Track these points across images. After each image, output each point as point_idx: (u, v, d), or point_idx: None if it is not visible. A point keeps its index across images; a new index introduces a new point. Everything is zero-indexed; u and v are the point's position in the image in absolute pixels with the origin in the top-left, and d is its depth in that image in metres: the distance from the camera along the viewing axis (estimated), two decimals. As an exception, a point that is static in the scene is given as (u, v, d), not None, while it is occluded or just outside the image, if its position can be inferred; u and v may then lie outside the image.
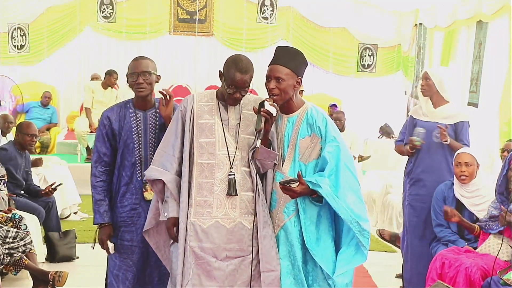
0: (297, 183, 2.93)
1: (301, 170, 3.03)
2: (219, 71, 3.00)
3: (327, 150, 3.02)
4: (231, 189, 2.95)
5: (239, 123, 3.01)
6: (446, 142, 4.37)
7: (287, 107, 3.08)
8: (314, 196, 3.00)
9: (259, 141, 2.93)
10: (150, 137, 3.35)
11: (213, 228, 2.94)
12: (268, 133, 2.95)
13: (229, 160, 2.96)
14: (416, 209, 4.57)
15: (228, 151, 2.96)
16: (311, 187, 2.94)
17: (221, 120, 2.99)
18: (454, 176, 4.36)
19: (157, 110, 3.36)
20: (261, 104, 2.92)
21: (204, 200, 2.95)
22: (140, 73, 3.29)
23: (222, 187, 2.96)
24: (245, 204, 2.99)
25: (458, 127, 4.46)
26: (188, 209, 2.95)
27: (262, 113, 2.89)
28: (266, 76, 3.02)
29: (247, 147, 3.00)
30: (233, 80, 2.91)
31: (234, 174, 2.95)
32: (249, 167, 3.00)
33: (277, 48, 3.11)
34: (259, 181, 3.01)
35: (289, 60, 3.02)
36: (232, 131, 3.00)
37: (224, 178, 2.96)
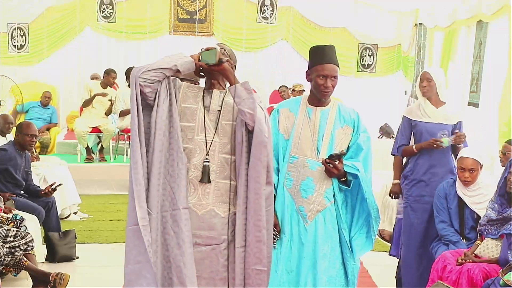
0: (337, 161, 3.17)
1: None
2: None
3: (361, 139, 3.31)
4: (205, 176, 2.92)
5: (221, 109, 3.00)
6: (459, 145, 4.45)
7: (321, 100, 3.30)
8: (342, 180, 3.26)
9: (223, 58, 2.91)
10: None
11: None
12: (226, 68, 2.91)
13: (206, 146, 2.95)
14: (417, 211, 4.56)
15: (205, 137, 2.96)
16: (347, 171, 3.21)
17: (204, 106, 2.99)
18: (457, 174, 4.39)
19: None
20: (203, 55, 2.91)
21: None
22: None
23: (196, 172, 2.93)
24: (220, 192, 2.95)
25: (458, 127, 4.53)
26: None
27: (208, 48, 2.91)
28: (322, 75, 3.19)
29: (229, 134, 2.98)
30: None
31: (209, 162, 2.94)
32: (230, 154, 2.96)
33: (324, 47, 3.28)
34: (244, 167, 2.92)
35: (336, 58, 3.26)
36: (213, 116, 2.99)
37: (199, 163, 2.94)
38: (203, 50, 2.94)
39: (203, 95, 3.01)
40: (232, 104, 2.98)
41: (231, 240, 2.94)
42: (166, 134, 2.88)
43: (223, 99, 3.02)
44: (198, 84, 3.02)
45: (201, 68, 2.95)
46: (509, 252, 3.73)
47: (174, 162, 2.88)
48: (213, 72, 2.97)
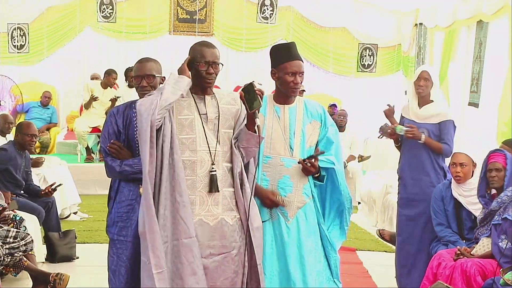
0: (314, 159, 3.20)
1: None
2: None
3: (330, 133, 3.36)
4: (213, 186, 2.94)
5: (218, 117, 3.01)
6: (420, 141, 4.42)
7: (289, 97, 3.32)
8: (316, 175, 3.30)
9: (257, 119, 2.96)
10: None
11: (196, 225, 2.91)
12: (255, 116, 2.96)
13: (211, 156, 2.95)
14: (403, 208, 4.64)
15: (209, 147, 2.96)
16: (323, 166, 3.27)
17: (200, 115, 2.98)
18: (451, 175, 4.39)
19: None
20: (249, 86, 2.94)
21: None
22: (144, 76, 3.34)
23: (204, 183, 2.95)
24: (227, 200, 2.99)
25: (441, 126, 4.44)
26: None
27: (257, 91, 2.92)
28: (291, 72, 3.21)
29: (228, 142, 3.01)
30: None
31: (215, 171, 2.95)
32: (230, 162, 3.00)
33: (288, 44, 3.35)
34: (244, 173, 3.01)
35: (299, 54, 3.29)
36: (211, 125, 3.00)
37: (206, 174, 2.95)
38: (253, 84, 2.94)
39: (195, 102, 3.00)
40: (229, 112, 3.02)
41: (240, 245, 3.00)
42: (169, 163, 2.87)
43: (217, 105, 3.02)
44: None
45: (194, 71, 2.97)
46: (499, 240, 3.73)
47: (181, 188, 2.87)
48: (210, 80, 2.99)
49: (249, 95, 2.92)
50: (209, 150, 2.95)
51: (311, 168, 3.21)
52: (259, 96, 2.92)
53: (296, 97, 3.36)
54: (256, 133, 2.97)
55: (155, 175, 2.85)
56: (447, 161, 4.56)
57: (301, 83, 3.25)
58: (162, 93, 2.86)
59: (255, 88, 2.93)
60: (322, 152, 3.23)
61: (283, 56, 3.24)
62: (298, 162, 3.23)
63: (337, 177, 3.33)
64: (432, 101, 4.48)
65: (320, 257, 3.30)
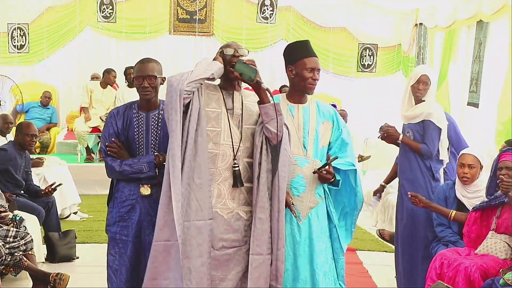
0: (328, 166, 3.17)
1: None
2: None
3: (344, 134, 3.35)
4: (237, 181, 2.95)
5: (242, 113, 3.02)
6: (398, 140, 4.42)
7: (304, 96, 3.32)
8: (332, 179, 3.24)
9: (263, 84, 2.92)
10: (152, 137, 3.40)
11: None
12: (260, 83, 2.92)
13: (233, 151, 2.96)
14: (398, 209, 4.64)
15: (232, 142, 2.96)
16: (344, 168, 3.26)
17: (227, 109, 2.99)
18: (456, 176, 4.36)
19: (160, 112, 3.40)
20: (239, 65, 2.90)
21: None
22: (145, 77, 3.34)
23: (223, 177, 2.96)
24: (244, 195, 3.00)
25: (425, 126, 4.34)
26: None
27: (248, 63, 2.89)
28: (310, 68, 3.24)
29: (251, 138, 3.00)
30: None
31: (238, 166, 2.95)
32: (251, 157, 2.99)
33: (305, 41, 3.35)
34: (263, 169, 2.97)
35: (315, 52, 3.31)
36: (236, 120, 3.00)
37: (226, 168, 2.96)
38: (239, 60, 2.90)
39: (223, 97, 3.01)
40: (252, 109, 3.02)
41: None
42: (193, 143, 2.87)
43: (242, 101, 3.03)
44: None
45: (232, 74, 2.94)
46: None
47: (201, 170, 2.87)
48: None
49: (244, 70, 2.88)
50: (232, 145, 2.96)
51: (327, 176, 3.19)
52: (251, 65, 2.89)
53: (308, 97, 3.36)
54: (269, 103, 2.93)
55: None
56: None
57: (317, 80, 3.26)
58: (194, 70, 2.88)
59: (244, 61, 2.90)
60: (335, 158, 3.21)
61: (301, 52, 3.25)
62: (314, 172, 3.21)
63: (355, 178, 3.32)
64: (424, 101, 4.38)
65: (328, 259, 3.30)
